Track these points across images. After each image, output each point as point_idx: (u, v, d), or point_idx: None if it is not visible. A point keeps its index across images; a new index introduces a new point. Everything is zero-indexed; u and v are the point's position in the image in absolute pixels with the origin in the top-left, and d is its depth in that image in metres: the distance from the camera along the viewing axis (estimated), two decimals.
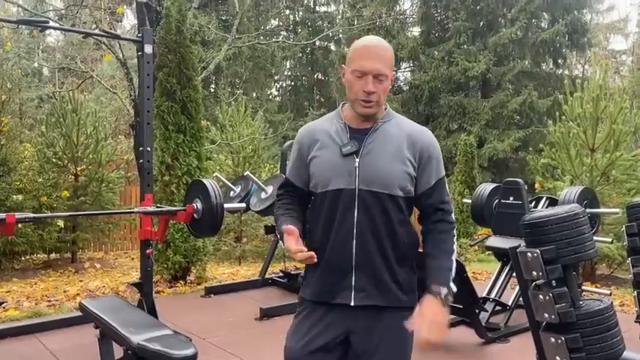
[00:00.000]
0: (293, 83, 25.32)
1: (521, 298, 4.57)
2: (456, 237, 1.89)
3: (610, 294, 4.29)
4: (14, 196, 6.83)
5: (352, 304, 1.73)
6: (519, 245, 2.05)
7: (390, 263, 1.75)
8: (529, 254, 1.86)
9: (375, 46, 1.74)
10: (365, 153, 1.73)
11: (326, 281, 1.76)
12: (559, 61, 18.83)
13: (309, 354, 1.75)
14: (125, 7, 14.28)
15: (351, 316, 1.75)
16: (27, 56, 15.68)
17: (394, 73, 1.86)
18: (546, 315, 1.86)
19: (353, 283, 1.73)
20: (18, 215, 3.17)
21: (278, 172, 7.44)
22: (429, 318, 1.68)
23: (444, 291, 1.73)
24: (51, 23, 5.45)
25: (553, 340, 1.85)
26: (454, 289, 1.78)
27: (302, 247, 1.67)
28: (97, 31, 7.10)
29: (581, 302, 1.87)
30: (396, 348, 1.79)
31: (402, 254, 1.79)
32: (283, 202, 1.92)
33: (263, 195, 5.74)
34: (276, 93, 24.71)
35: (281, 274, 6.19)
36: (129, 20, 18.43)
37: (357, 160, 1.72)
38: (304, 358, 1.76)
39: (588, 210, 4.15)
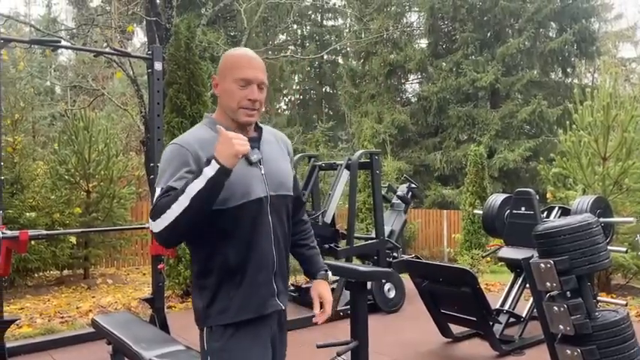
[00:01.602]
0: (301, 97, 25.45)
1: (535, 310, 4.52)
2: None
3: (626, 304, 4.22)
4: (27, 214, 6.89)
5: (283, 307, 1.79)
6: (532, 256, 2.02)
7: (288, 260, 1.86)
8: (542, 265, 1.84)
9: (255, 57, 1.78)
10: (265, 160, 1.77)
11: (258, 294, 1.73)
12: (568, 70, 18.77)
13: None
14: (135, 25, 14.48)
15: (273, 322, 1.79)
16: (39, 75, 15.93)
17: None
18: (561, 327, 1.83)
19: (275, 289, 1.77)
20: (31, 232, 3.20)
21: None
22: (328, 299, 1.87)
23: (329, 273, 1.95)
24: (63, 42, 5.53)
25: (569, 352, 1.83)
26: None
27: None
28: (107, 49, 7.19)
29: (596, 313, 1.85)
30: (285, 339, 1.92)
31: (288, 251, 1.90)
32: (166, 196, 1.62)
33: None
34: (284, 107, 24.83)
35: (292, 288, 6.16)
36: (139, 38, 18.69)
37: (262, 167, 1.75)
38: None
39: (602, 219, 4.10)
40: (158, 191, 1.63)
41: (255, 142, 1.79)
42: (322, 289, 1.88)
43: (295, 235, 1.94)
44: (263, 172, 1.75)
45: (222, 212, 1.65)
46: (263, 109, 1.79)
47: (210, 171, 1.53)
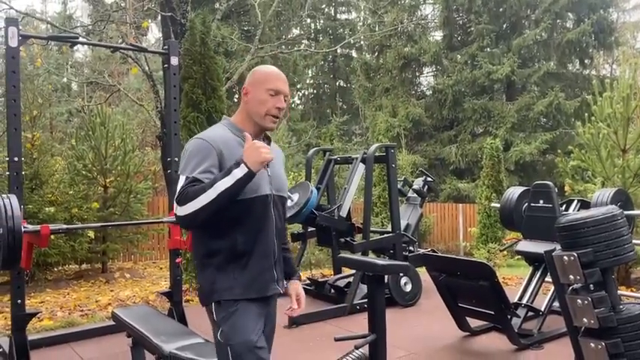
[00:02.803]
0: (315, 91, 25.43)
1: (554, 303, 4.47)
2: None
3: None
4: (47, 209, 6.99)
5: (281, 291, 2.09)
6: (555, 249, 2.00)
7: (284, 252, 2.17)
8: (566, 257, 1.82)
9: (281, 73, 2.10)
10: (271, 164, 1.99)
11: (262, 278, 1.99)
12: (586, 61, 18.48)
13: (261, 349, 1.95)
14: (150, 20, 14.56)
15: (270, 304, 2.07)
16: (56, 72, 16.11)
17: None
18: (585, 320, 1.81)
19: (275, 275, 2.03)
20: (52, 227, 3.24)
21: (303, 179, 7.45)
22: (302, 296, 2.19)
23: (299, 273, 2.30)
24: (80, 39, 5.57)
25: (593, 345, 1.80)
26: None
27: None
28: (124, 45, 7.24)
29: (621, 306, 1.82)
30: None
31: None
32: (193, 185, 1.87)
33: (289, 203, 5.75)
34: (298, 101, 24.84)
35: (308, 282, 6.18)
36: (153, 34, 18.78)
37: (268, 169, 2.00)
38: (259, 353, 1.94)
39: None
40: (182, 179, 1.88)
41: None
42: (299, 288, 2.20)
43: None
44: (269, 174, 2.02)
45: (236, 203, 1.88)
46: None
47: (239, 172, 1.79)
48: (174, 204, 1.87)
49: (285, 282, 2.17)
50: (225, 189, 1.78)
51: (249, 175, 1.80)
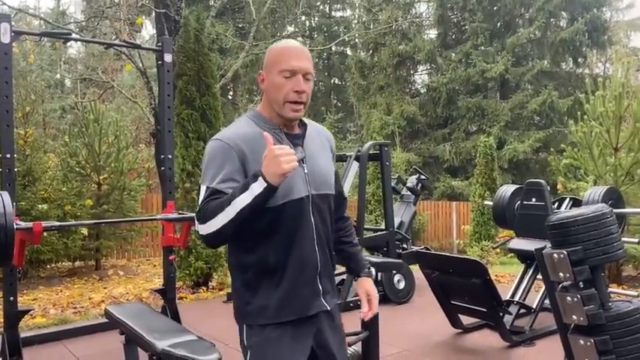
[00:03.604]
0: None
1: (545, 301, 4.50)
2: None
3: (637, 295, 4.19)
4: (39, 206, 6.96)
5: (328, 308, 1.75)
6: (545, 246, 2.02)
7: (333, 259, 1.83)
8: (555, 255, 1.84)
9: (299, 46, 1.72)
10: (308, 158, 1.73)
11: (300, 295, 1.69)
12: (579, 60, 18.55)
13: None
14: (144, 17, 14.49)
15: (317, 322, 1.74)
16: (50, 68, 16.01)
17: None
18: (575, 317, 1.83)
19: (320, 289, 1.73)
20: (45, 224, 3.23)
21: None
22: (374, 296, 1.87)
23: (372, 270, 1.99)
24: (73, 35, 5.55)
25: (582, 342, 1.82)
26: None
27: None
28: (117, 42, 7.21)
29: (610, 304, 1.84)
30: (342, 339, 1.90)
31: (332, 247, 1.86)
32: (214, 199, 1.63)
33: None
34: None
35: None
36: (147, 30, 18.70)
37: (305, 165, 1.70)
38: None
39: (614, 210, 4.07)
40: (203, 190, 1.64)
41: (299, 139, 1.75)
42: (368, 286, 1.89)
43: (337, 232, 1.90)
44: (306, 170, 1.71)
45: (265, 212, 1.61)
46: (309, 102, 1.72)
47: (257, 188, 1.51)
48: (195, 220, 1.65)
49: (354, 279, 1.93)
50: (244, 206, 1.53)
51: (270, 189, 1.51)
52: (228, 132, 1.71)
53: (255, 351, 1.70)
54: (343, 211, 1.97)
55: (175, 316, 4.22)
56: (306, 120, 1.82)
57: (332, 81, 25.04)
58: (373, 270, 1.96)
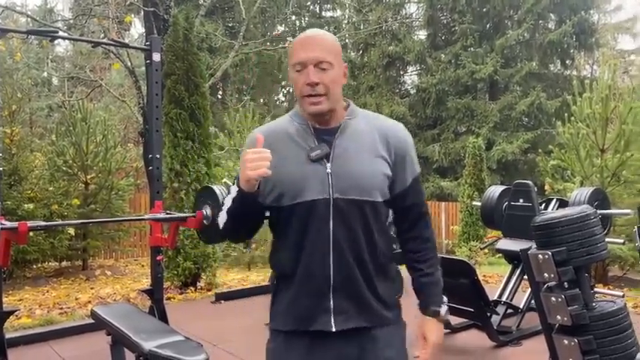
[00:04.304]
0: None
1: (532, 301, 4.54)
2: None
3: (623, 295, 4.23)
4: (25, 205, 6.89)
5: (333, 329, 1.52)
6: (530, 247, 2.04)
7: (369, 277, 1.56)
8: (540, 256, 1.86)
9: (313, 35, 1.57)
10: (336, 156, 1.54)
11: (300, 305, 1.55)
12: (567, 61, 18.73)
13: None
14: (133, 15, 14.40)
15: (336, 345, 1.54)
16: (37, 66, 15.86)
17: (346, 64, 1.63)
18: (559, 317, 1.84)
19: (332, 306, 1.52)
20: (30, 224, 3.20)
21: None
22: (432, 342, 1.61)
23: (443, 310, 1.63)
24: (60, 33, 5.50)
25: (566, 342, 1.84)
26: (446, 302, 1.66)
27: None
28: (105, 40, 7.16)
29: (594, 304, 1.86)
30: None
31: (381, 265, 1.59)
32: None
33: None
34: (283, 99, 24.76)
35: None
36: (136, 29, 18.60)
37: (329, 165, 1.53)
38: None
39: (599, 211, 4.10)
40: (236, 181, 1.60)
41: (332, 134, 1.57)
42: (427, 329, 1.62)
43: (408, 254, 1.67)
44: (329, 170, 1.52)
45: (279, 210, 1.55)
46: (336, 92, 1.55)
47: (233, 191, 1.51)
48: None
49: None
50: (229, 207, 1.53)
51: (242, 194, 1.46)
52: (265, 126, 1.68)
53: (266, 356, 1.63)
54: (418, 228, 1.66)
55: (163, 317, 4.19)
56: (363, 112, 1.65)
57: None
58: (444, 309, 1.62)
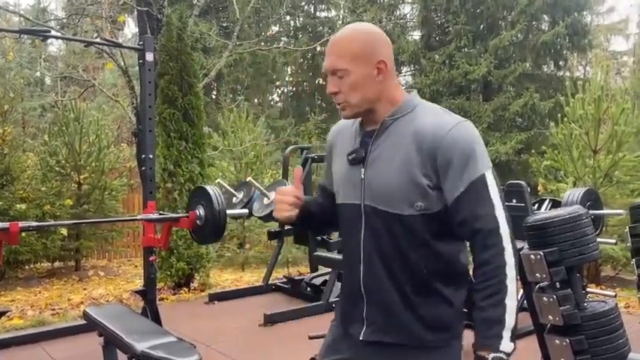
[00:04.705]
0: (294, 89, 25.36)
1: (524, 301, 4.55)
2: (511, 266, 1.40)
3: (615, 295, 4.25)
4: (17, 205, 6.85)
5: (361, 337, 1.47)
6: (522, 247, 2.04)
7: (404, 293, 1.43)
8: (532, 256, 1.86)
9: (333, 40, 1.46)
10: (370, 162, 1.43)
11: (345, 305, 1.56)
12: (560, 63, 18.81)
13: None
14: (126, 15, 14.35)
15: (363, 353, 1.49)
16: (29, 65, 15.75)
17: (380, 59, 1.44)
18: (551, 317, 1.85)
19: (364, 314, 1.47)
20: (21, 224, 3.18)
21: (280, 177, 7.44)
22: None
23: (490, 357, 1.37)
24: (53, 32, 5.47)
25: (558, 342, 1.85)
26: (510, 346, 1.39)
27: (296, 192, 1.55)
28: (98, 40, 7.13)
29: (585, 304, 1.87)
30: None
31: (423, 283, 1.44)
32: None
33: (265, 201, 5.71)
34: (277, 99, 24.76)
35: (284, 280, 6.18)
36: (130, 29, 18.51)
37: (363, 170, 1.44)
38: None
39: (592, 211, 4.12)
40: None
41: (370, 137, 1.48)
42: None
43: (474, 279, 1.48)
44: (362, 176, 1.45)
45: (336, 207, 1.59)
46: (360, 98, 1.44)
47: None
48: None
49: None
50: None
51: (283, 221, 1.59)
52: (342, 121, 1.64)
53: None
54: (474, 249, 1.42)
55: (156, 318, 4.18)
56: (420, 108, 1.48)
57: (316, 81, 25.00)
58: (496, 356, 1.36)
